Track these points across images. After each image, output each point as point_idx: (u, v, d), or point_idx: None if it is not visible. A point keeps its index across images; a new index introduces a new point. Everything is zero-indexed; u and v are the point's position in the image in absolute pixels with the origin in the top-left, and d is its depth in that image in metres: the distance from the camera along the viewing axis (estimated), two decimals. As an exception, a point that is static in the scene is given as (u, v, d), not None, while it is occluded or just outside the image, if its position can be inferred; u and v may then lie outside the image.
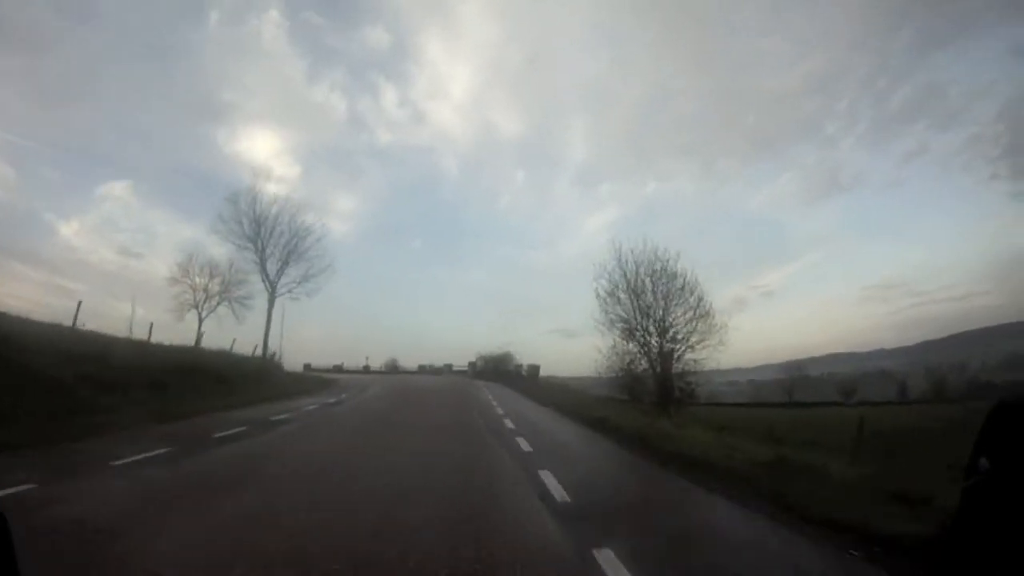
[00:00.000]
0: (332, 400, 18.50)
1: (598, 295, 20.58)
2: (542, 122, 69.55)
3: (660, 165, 68.53)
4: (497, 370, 39.00)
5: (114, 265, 55.87)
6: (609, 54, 63.63)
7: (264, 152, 69.90)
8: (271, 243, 29.03)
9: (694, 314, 20.19)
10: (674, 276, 20.21)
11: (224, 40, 61.71)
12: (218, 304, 44.68)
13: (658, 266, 20.31)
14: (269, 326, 30.07)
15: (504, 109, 70.05)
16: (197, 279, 41.52)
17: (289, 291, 30.65)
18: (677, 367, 20.78)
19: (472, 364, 45.24)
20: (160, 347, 19.98)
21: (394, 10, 64.94)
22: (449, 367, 48.69)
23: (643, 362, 20.72)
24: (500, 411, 14.75)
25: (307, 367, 51.12)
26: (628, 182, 68.15)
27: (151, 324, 20.74)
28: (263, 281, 29.55)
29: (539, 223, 74.18)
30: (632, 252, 20.33)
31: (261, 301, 33.53)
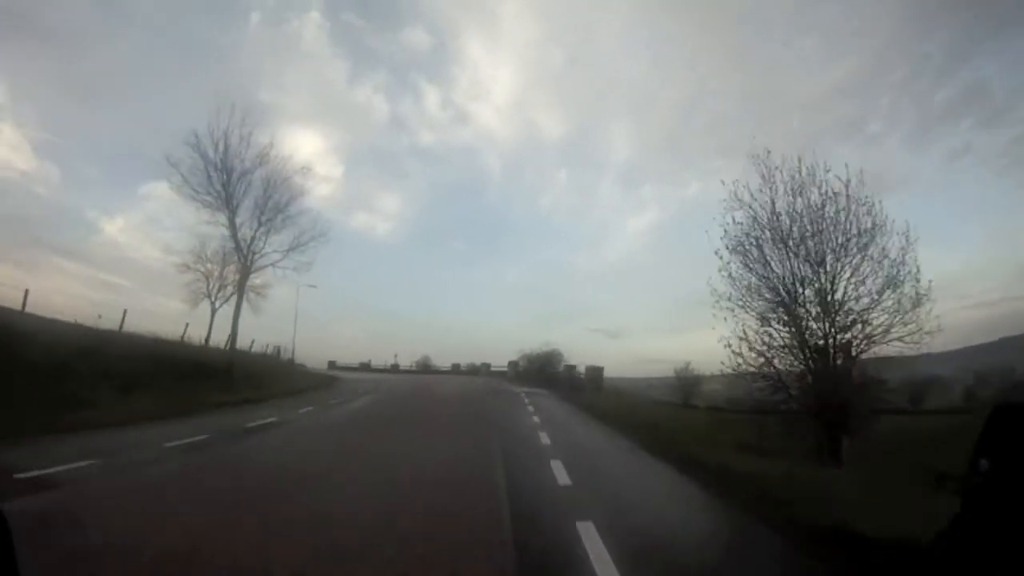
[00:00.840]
0: (268, 420, 11.12)
1: (727, 249, 12.10)
2: (584, 123, 63.98)
3: (702, 166, 61.27)
4: (543, 372, 30.91)
5: (159, 263, 53.92)
6: (648, 54, 57.45)
7: (307, 152, 68.90)
8: (238, 195, 21.75)
9: (885, 279, 11.49)
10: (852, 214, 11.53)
11: (266, 41, 61.42)
12: (232, 294, 40.83)
13: (815, 196, 11.63)
14: (240, 307, 23.22)
15: (546, 110, 64.98)
16: (209, 265, 38.16)
17: (273, 264, 23.71)
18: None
19: (513, 364, 37.43)
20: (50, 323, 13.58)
21: (434, 12, 61.28)
22: (487, 367, 41.20)
23: (790, 358, 12.13)
24: (565, 480, 6.81)
25: (332, 364, 46.93)
26: (670, 183, 61.61)
27: (26, 291, 14.08)
28: (235, 250, 22.67)
29: (581, 224, 68.39)
30: (781, 170, 11.77)
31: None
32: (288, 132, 68.80)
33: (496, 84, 70.82)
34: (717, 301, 11.85)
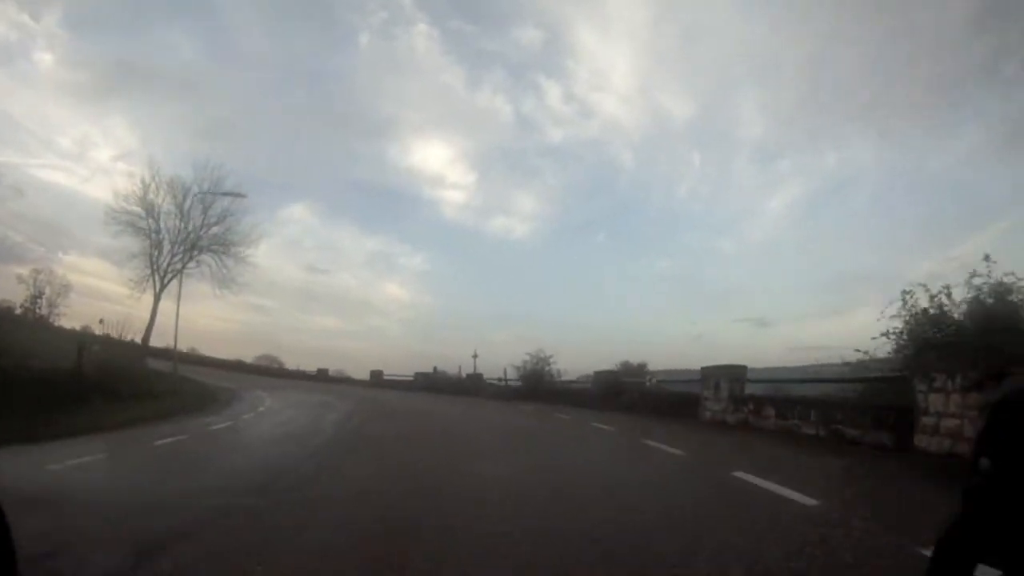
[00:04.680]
0: None
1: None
2: (709, 99, 59.48)
3: (836, 131, 54.83)
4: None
5: (302, 282, 58.92)
6: (767, 11, 53.29)
7: (437, 161, 69.18)
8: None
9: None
10: None
11: (378, 58, 61.82)
12: (191, 258, 29.21)
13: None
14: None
15: (669, 91, 60.86)
16: (173, 219, 29.36)
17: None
18: None
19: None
20: None
21: (539, 7, 59.63)
22: (639, 376, 20.53)
23: None
24: None
25: (376, 375, 39.33)
26: (806, 153, 55.80)
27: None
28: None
29: (720, 207, 62.92)
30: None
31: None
32: (414, 143, 69.15)
33: (615, 72, 67.28)
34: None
